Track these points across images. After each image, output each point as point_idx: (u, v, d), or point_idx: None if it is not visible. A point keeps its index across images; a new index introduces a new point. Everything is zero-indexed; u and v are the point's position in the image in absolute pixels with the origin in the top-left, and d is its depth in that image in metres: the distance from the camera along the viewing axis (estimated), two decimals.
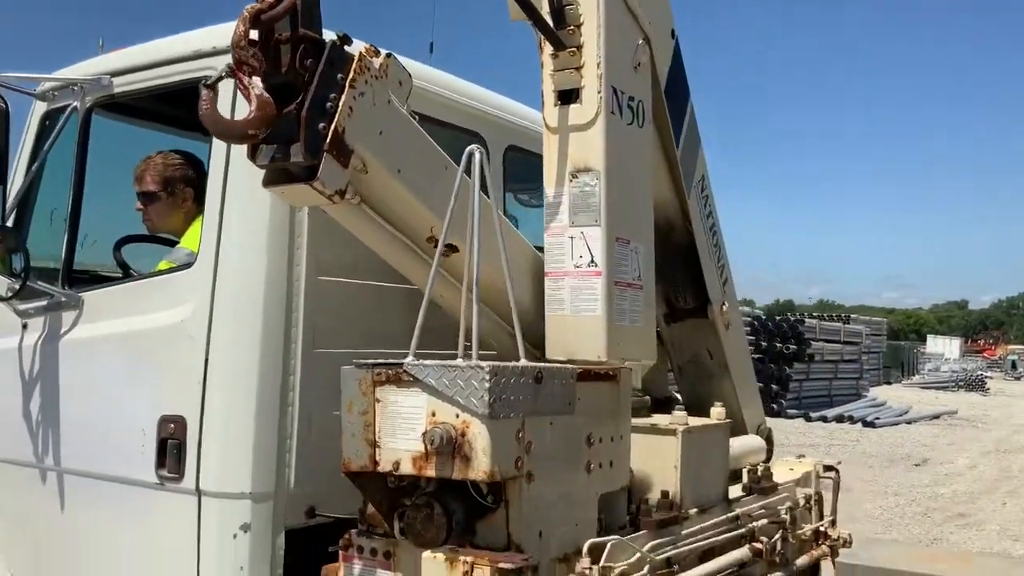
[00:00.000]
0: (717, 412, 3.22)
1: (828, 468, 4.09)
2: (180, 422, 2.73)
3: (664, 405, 3.66)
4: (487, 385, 2.07)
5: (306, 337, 2.75)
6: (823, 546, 3.74)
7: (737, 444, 3.77)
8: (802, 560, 3.53)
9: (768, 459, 4.07)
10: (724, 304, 3.86)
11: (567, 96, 3.02)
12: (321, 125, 2.24)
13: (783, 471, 3.97)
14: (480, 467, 2.09)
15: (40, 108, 3.30)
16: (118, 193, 3.34)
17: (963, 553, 7.43)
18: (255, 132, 2.13)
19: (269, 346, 2.69)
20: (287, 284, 2.72)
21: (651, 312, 3.25)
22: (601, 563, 2.38)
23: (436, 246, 2.65)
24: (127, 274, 3.28)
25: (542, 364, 2.30)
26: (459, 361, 2.15)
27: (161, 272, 2.96)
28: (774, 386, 21.46)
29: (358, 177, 2.43)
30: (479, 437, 2.09)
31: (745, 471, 3.56)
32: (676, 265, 3.79)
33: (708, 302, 3.79)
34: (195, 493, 2.70)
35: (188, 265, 2.82)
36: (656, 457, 2.90)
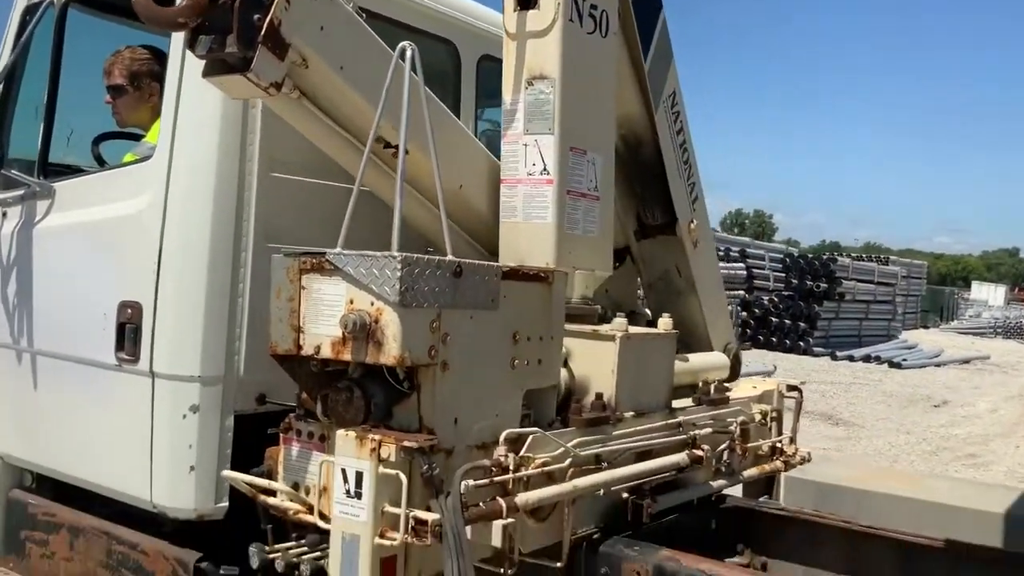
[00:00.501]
0: (664, 323, 3.28)
1: (792, 388, 4.14)
2: (137, 307, 2.87)
3: (632, 319, 3.74)
4: (399, 275, 2.16)
5: (258, 231, 2.85)
6: (777, 461, 3.81)
7: (698, 360, 3.84)
8: (751, 472, 3.61)
9: (732, 378, 4.14)
10: (693, 222, 3.89)
11: (526, 1, 3.04)
12: (256, 16, 2.30)
13: (746, 389, 4.04)
14: (390, 352, 2.19)
15: (21, 3, 3.39)
16: (96, 89, 3.43)
17: (913, 474, 7.46)
18: (185, 20, 2.20)
19: (219, 238, 2.79)
20: (239, 179, 2.82)
21: (607, 224, 3.31)
22: (521, 453, 2.50)
23: (385, 146, 2.74)
24: (102, 167, 3.40)
25: (463, 260, 2.37)
26: (376, 252, 2.23)
27: (124, 164, 3.07)
28: (802, 324, 21.36)
29: (298, 72, 2.50)
30: (390, 324, 2.19)
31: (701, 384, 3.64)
32: (645, 181, 3.82)
33: (676, 219, 3.83)
34: (149, 375, 2.85)
35: (147, 158, 2.93)
36: (596, 362, 2.98)
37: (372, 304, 2.21)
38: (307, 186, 3.01)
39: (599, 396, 2.91)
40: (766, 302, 21.84)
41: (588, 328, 3.05)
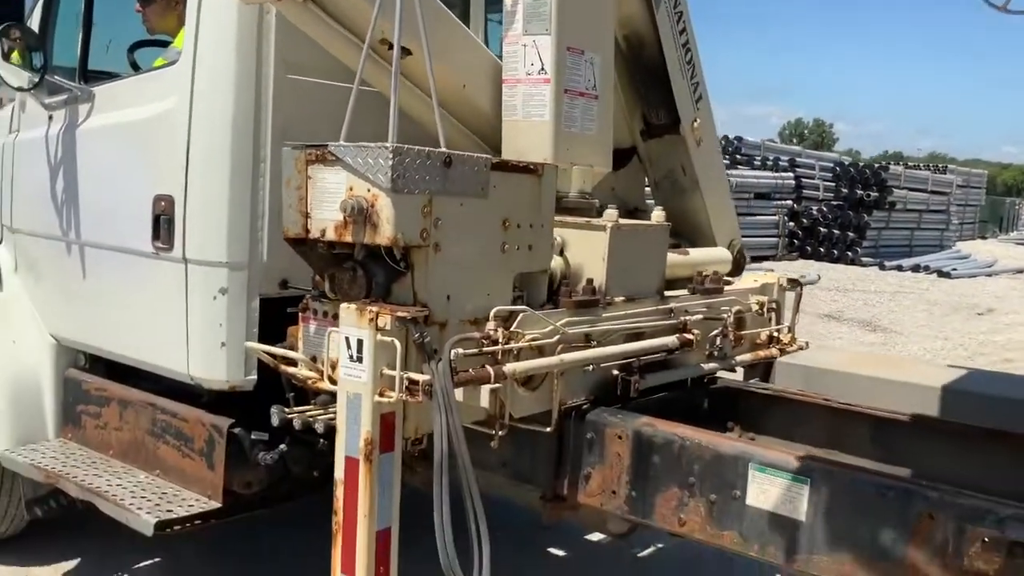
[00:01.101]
0: (657, 216, 3.48)
1: (792, 282, 4.33)
2: (169, 200, 3.17)
3: (637, 216, 3.96)
4: (390, 163, 2.41)
5: (275, 129, 3.10)
6: (773, 348, 4.04)
7: (698, 254, 4.06)
8: (744, 357, 3.84)
9: (735, 272, 4.35)
10: (696, 121, 4.05)
11: None
12: None
13: (747, 282, 4.24)
14: (385, 233, 2.45)
15: None
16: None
17: (904, 359, 7.57)
18: None
19: (240, 136, 3.06)
20: (256, 81, 3.06)
21: (606, 122, 3.48)
22: (512, 329, 2.77)
23: (389, 47, 2.94)
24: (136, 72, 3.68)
25: (453, 151, 2.59)
26: (372, 144, 2.47)
27: (154, 69, 3.33)
28: (850, 234, 21.19)
29: None
30: (384, 208, 2.44)
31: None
32: (648, 82, 3.98)
33: (680, 119, 3.99)
34: (183, 261, 3.17)
35: (174, 62, 3.18)
36: (588, 251, 3.22)
37: (368, 190, 2.46)
38: (321, 87, 3.23)
39: (590, 281, 3.15)
40: (815, 212, 21.66)
41: (582, 220, 3.28)
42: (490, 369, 2.61)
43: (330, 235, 2.57)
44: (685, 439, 2.78)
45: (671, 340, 3.37)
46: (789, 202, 21.35)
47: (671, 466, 2.79)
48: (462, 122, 3.43)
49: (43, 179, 3.67)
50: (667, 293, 3.53)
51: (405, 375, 2.43)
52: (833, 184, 22.52)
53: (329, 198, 2.55)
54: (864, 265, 20.72)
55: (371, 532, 2.49)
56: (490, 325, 2.70)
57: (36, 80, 3.42)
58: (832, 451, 3.30)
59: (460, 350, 2.54)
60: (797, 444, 3.39)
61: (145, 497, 3.21)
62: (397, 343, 2.42)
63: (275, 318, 3.18)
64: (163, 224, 3.19)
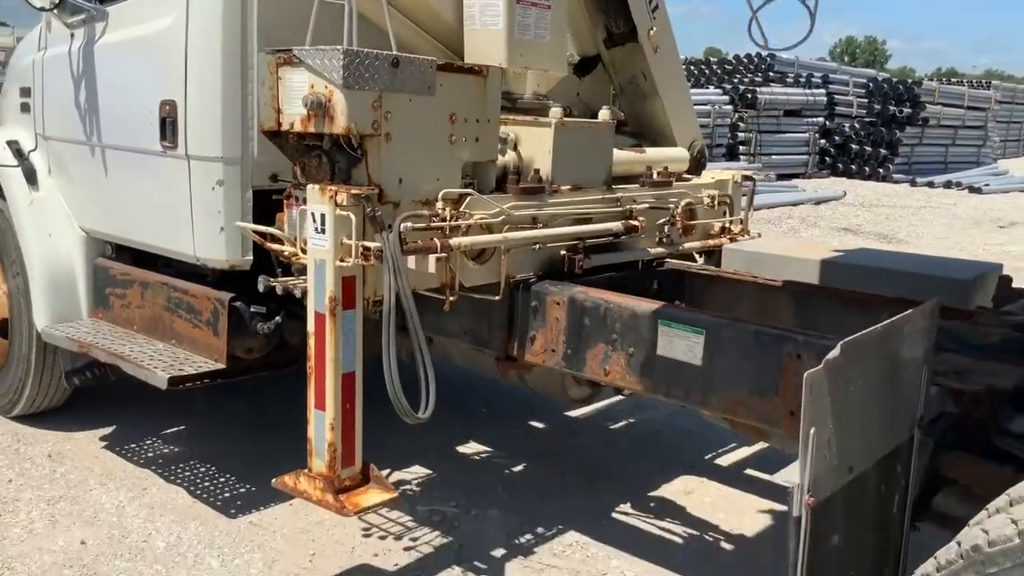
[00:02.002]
0: (603, 114, 3.88)
1: (746, 178, 4.70)
2: (173, 104, 3.65)
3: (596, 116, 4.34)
4: (342, 63, 2.84)
5: (260, 40, 3.53)
6: (724, 238, 4.44)
7: (654, 152, 4.45)
8: (693, 244, 4.26)
9: (694, 171, 4.73)
10: (653, 29, 4.40)
11: None
12: None
13: (705, 179, 4.63)
14: (340, 123, 2.91)
15: None
16: None
17: (837, 246, 7.84)
18: None
19: (229, 47, 3.51)
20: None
21: (559, 30, 3.86)
22: (460, 209, 3.23)
23: None
24: None
25: (400, 54, 3.03)
26: (328, 47, 2.92)
27: None
28: (882, 151, 21.10)
29: None
30: (339, 102, 2.89)
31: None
32: None
33: (637, 28, 4.35)
34: (186, 158, 3.66)
35: None
36: (537, 145, 3.65)
37: (326, 87, 2.91)
38: (299, 3, 3.66)
39: (536, 172, 3.60)
40: (847, 129, 21.55)
41: (531, 118, 3.71)
42: (437, 241, 3.08)
43: (297, 127, 3.03)
44: (609, 302, 3.24)
45: (616, 225, 3.81)
46: (821, 119, 21.27)
47: (598, 326, 3.26)
48: (428, 31, 3.86)
49: (68, 90, 4.18)
50: (621, 186, 3.96)
51: (360, 243, 2.92)
52: (866, 100, 22.32)
53: (295, 95, 3.01)
54: (896, 182, 20.68)
55: (338, 374, 3.00)
56: (439, 205, 3.16)
57: (57, 1, 3.91)
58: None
59: (410, 224, 3.01)
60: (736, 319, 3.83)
61: (162, 360, 3.78)
62: (353, 216, 2.90)
63: (270, 208, 3.69)
64: (168, 126, 3.69)
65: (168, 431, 4.71)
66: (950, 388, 2.44)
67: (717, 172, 4.73)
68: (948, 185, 20.06)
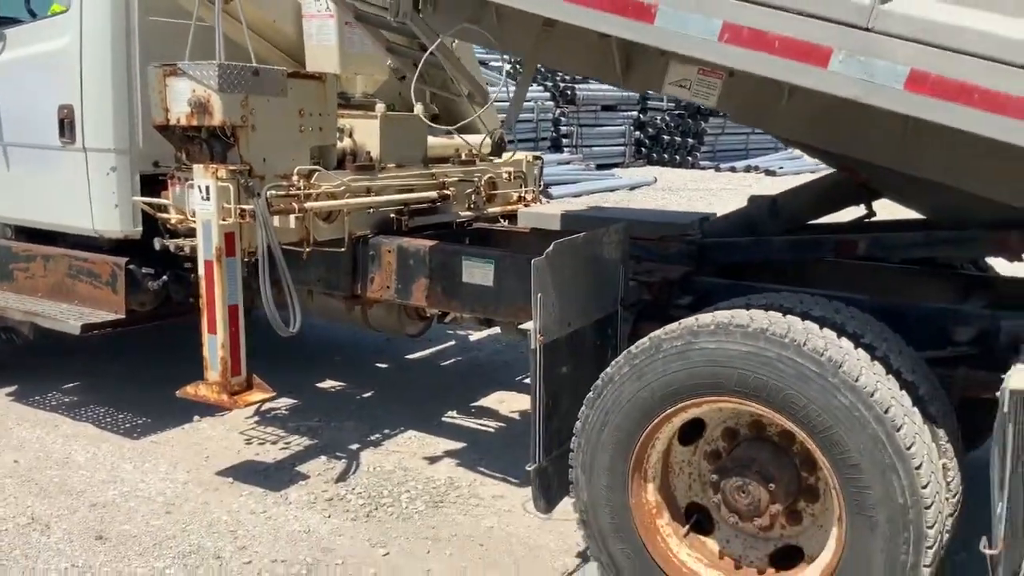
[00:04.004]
0: (418, 109, 5.03)
1: (536, 158, 5.98)
2: (71, 108, 4.56)
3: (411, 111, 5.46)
4: (217, 73, 3.88)
5: (142, 55, 4.50)
6: (520, 204, 5.70)
7: (460, 139, 5.65)
8: (495, 209, 5.49)
9: (496, 153, 5.95)
10: (455, 42, 5.60)
11: None
12: None
13: (504, 159, 5.86)
14: (217, 118, 3.93)
15: None
16: None
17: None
18: None
19: (117, 62, 4.47)
20: (126, 21, 4.45)
21: (378, 42, 5.00)
22: (311, 181, 4.31)
23: None
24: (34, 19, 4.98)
25: (260, 65, 4.08)
26: (204, 62, 3.94)
27: (52, 15, 4.67)
28: (690, 139, 23.30)
29: None
30: (216, 102, 3.92)
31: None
32: None
33: None
34: (83, 151, 4.58)
35: (67, 9, 4.53)
36: (368, 134, 4.77)
37: (205, 92, 3.93)
38: (172, 23, 4.62)
39: (368, 154, 4.73)
40: (659, 121, 23.64)
41: (362, 112, 4.83)
42: (295, 205, 4.16)
43: (183, 122, 4.03)
44: (427, 247, 4.40)
45: (432, 195, 4.98)
46: (635, 113, 23.24)
47: (420, 265, 4.40)
48: (276, 46, 4.93)
49: None
50: (436, 165, 5.13)
51: (238, 206, 3.96)
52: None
53: (180, 98, 4.01)
54: (703, 168, 22.89)
55: (225, 306, 4.03)
56: (294, 178, 4.23)
57: None
58: None
59: (274, 192, 4.07)
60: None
61: (71, 314, 4.67)
62: (231, 187, 3.94)
63: (154, 188, 4.63)
64: (67, 125, 4.59)
65: (66, 386, 5.53)
66: (642, 282, 3.74)
67: (517, 154, 5.97)
68: (748, 169, 22.39)
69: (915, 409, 2.71)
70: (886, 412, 2.62)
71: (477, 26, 3.48)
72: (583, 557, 3.63)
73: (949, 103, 2.39)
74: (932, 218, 3.79)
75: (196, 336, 4.14)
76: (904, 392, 2.72)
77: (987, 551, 2.49)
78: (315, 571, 3.55)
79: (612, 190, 17.64)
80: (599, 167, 20.46)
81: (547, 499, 3.29)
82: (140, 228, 4.64)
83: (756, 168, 22.34)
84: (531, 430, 3.21)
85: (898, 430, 2.61)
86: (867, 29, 2.46)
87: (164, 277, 4.79)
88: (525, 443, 3.24)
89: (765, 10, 2.58)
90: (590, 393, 3.16)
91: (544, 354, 3.17)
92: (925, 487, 2.60)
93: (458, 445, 4.85)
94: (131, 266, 4.69)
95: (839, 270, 4.03)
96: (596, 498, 3.15)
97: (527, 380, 3.31)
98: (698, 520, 3.21)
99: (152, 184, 4.59)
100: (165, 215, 4.34)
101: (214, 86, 3.90)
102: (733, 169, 22.46)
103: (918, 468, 2.60)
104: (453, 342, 6.83)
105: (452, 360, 6.45)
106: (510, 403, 5.53)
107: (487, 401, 5.56)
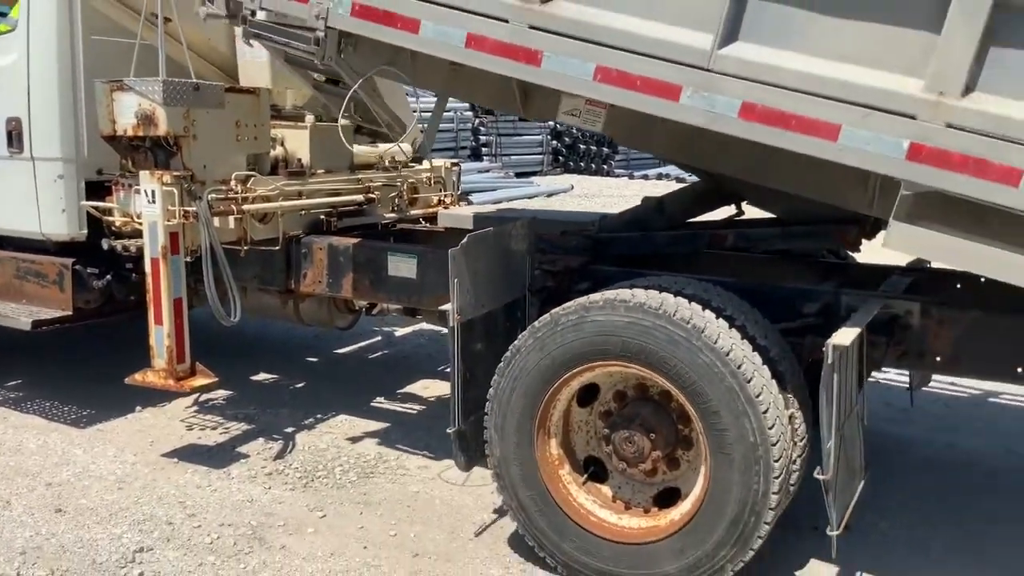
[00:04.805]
0: (343, 121, 5.50)
1: (454, 164, 6.51)
2: (18, 120, 4.90)
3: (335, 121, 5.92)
4: (160, 88, 4.29)
5: (87, 69, 4.87)
6: (440, 207, 6.20)
7: (385, 147, 6.13)
8: (416, 211, 5.98)
9: (417, 160, 6.45)
10: None
11: None
12: None
13: (425, 166, 6.36)
14: (162, 129, 4.35)
15: None
16: None
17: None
18: None
19: (63, 78, 4.82)
20: (71, 39, 4.82)
21: (306, 83, 5.44)
22: (248, 186, 4.74)
23: (157, 18, 4.78)
24: None
25: (200, 81, 4.50)
26: (150, 78, 4.35)
27: (1, 33, 5.00)
28: (605, 149, 24.16)
29: None
30: (160, 114, 4.33)
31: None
32: None
33: None
34: (31, 159, 4.92)
35: (14, 29, 4.87)
36: (298, 142, 5.21)
37: (151, 105, 4.34)
38: (116, 43, 5.00)
39: (299, 160, 5.18)
40: (575, 131, 24.42)
41: (293, 123, 5.27)
42: (233, 207, 4.60)
43: (130, 132, 4.43)
44: (355, 245, 4.87)
45: (359, 198, 5.45)
46: (552, 123, 23.99)
47: (349, 261, 4.86)
48: (212, 63, 5.35)
49: None
50: (361, 171, 5.59)
51: (182, 208, 4.37)
52: None
53: (127, 111, 4.41)
54: (617, 176, 23.78)
55: (170, 299, 4.44)
56: (232, 183, 4.66)
57: None
58: None
59: (214, 195, 4.49)
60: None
61: (22, 312, 4.99)
62: (175, 191, 4.35)
63: (98, 193, 4.99)
64: (15, 137, 4.92)
65: (10, 383, 5.81)
66: (546, 270, 4.28)
67: (438, 161, 6.48)
68: (660, 177, 23.31)
69: (765, 367, 3.30)
70: (739, 368, 3.21)
71: (394, 67, 3.98)
72: (499, 512, 4.13)
73: (774, 128, 3.00)
74: (785, 218, 4.43)
75: (132, 333, 4.54)
76: (756, 353, 3.31)
77: (821, 477, 3.10)
78: (259, 531, 3.97)
79: (530, 197, 18.26)
80: (518, 175, 21.11)
81: (466, 457, 3.79)
82: (86, 231, 4.99)
83: (668, 175, 23.24)
84: (451, 398, 3.71)
85: (748, 382, 3.19)
86: (708, 70, 3.05)
87: (108, 276, 5.14)
88: (446, 422, 3.73)
89: (628, 55, 3.16)
90: (501, 363, 3.68)
91: (461, 332, 3.68)
92: (771, 428, 3.19)
93: (386, 425, 5.31)
94: (77, 266, 5.03)
95: (721, 261, 4.64)
96: (507, 453, 3.67)
97: (448, 369, 3.80)
98: (594, 471, 3.76)
99: (96, 190, 4.95)
100: (110, 218, 4.72)
101: (159, 100, 4.32)
102: (646, 177, 23.37)
103: (765, 412, 3.19)
104: (379, 337, 7.29)
105: (379, 353, 6.91)
106: (433, 389, 6.02)
107: (412, 388, 6.04)
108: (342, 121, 5.49)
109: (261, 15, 4.05)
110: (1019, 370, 3.57)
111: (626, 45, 3.16)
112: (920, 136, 2.78)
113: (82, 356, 6.34)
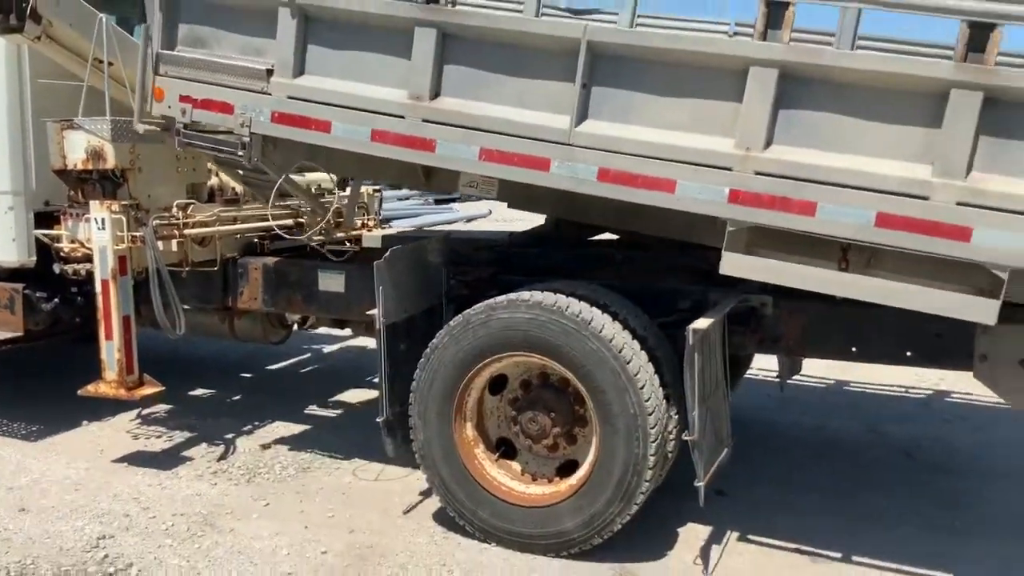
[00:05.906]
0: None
1: (377, 191, 7.08)
2: None
3: None
4: (108, 127, 4.78)
5: (35, 111, 5.31)
6: (363, 230, 6.76)
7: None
8: (341, 234, 6.52)
9: (340, 187, 7.01)
10: None
11: None
12: (24, 3, 4.75)
13: (348, 192, 6.91)
14: (110, 163, 4.83)
15: None
16: None
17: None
18: None
19: (12, 118, 5.26)
20: (19, 83, 5.26)
21: (235, 179, 5.95)
22: (188, 212, 5.23)
23: (99, 62, 5.25)
24: None
25: (145, 121, 4.99)
26: (99, 117, 4.83)
27: None
28: None
29: (48, 28, 4.96)
30: (109, 150, 4.82)
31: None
32: None
33: None
34: None
35: None
36: (233, 173, 5.73)
37: (99, 141, 4.82)
38: (62, 85, 5.44)
39: (233, 189, 5.69)
40: None
41: None
42: (175, 231, 5.09)
43: (80, 166, 4.91)
44: (289, 264, 5.39)
45: (289, 223, 5.98)
46: None
47: (283, 278, 5.39)
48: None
49: None
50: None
51: (131, 233, 4.85)
52: None
53: (77, 147, 4.89)
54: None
55: (120, 316, 4.90)
56: (174, 210, 5.16)
57: None
58: None
59: (158, 221, 4.98)
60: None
61: None
62: (123, 217, 4.83)
63: (46, 223, 5.41)
64: None
65: None
66: (460, 280, 4.89)
67: (364, 188, 7.02)
68: None
69: (643, 352, 3.96)
70: (620, 352, 3.85)
71: (312, 161, 4.69)
72: (424, 494, 4.69)
73: (626, 187, 3.71)
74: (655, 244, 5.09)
75: (74, 354, 4.96)
76: (636, 340, 3.96)
77: (688, 438, 3.77)
78: (210, 519, 4.45)
79: (450, 222, 18.89)
80: (437, 202, 21.70)
81: (393, 443, 4.34)
82: (35, 257, 5.40)
83: None
84: (379, 392, 4.27)
85: (628, 363, 3.84)
86: (569, 144, 3.76)
87: (56, 300, 5.54)
88: (375, 425, 4.26)
89: (505, 137, 3.85)
90: (421, 359, 4.26)
91: (386, 333, 4.25)
92: (648, 401, 3.84)
93: (320, 428, 5.82)
94: (27, 291, 5.43)
95: (611, 269, 5.30)
96: (430, 437, 4.24)
97: (376, 379, 4.33)
98: (505, 450, 4.36)
99: (45, 220, 5.38)
100: (60, 245, 5.16)
101: (107, 137, 4.81)
102: None
103: (642, 388, 3.84)
104: (309, 354, 7.78)
105: (310, 368, 7.41)
106: (361, 396, 6.54)
107: (343, 396, 6.56)
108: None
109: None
110: (908, 354, 4.24)
111: (503, 129, 3.89)
112: (737, 183, 3.53)
113: (28, 375, 6.67)
